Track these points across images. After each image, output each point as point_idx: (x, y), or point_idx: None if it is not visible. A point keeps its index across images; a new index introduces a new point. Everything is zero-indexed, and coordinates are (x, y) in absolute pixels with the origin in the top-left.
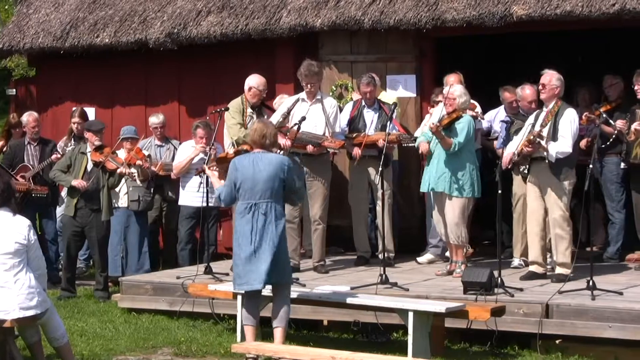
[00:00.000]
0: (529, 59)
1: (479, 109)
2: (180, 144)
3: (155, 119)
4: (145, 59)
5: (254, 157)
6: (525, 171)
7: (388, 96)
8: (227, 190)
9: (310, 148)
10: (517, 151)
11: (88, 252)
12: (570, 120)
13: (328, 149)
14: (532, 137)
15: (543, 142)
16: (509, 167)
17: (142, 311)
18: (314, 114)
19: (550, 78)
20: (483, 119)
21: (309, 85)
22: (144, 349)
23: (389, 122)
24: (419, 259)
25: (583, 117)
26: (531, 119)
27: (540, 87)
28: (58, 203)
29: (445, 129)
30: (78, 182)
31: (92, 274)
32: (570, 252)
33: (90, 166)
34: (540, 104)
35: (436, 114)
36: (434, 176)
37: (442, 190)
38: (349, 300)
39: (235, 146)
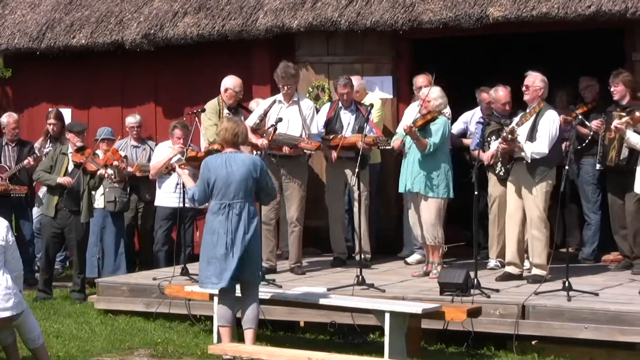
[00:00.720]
0: (510, 60)
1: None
2: (156, 144)
3: (132, 119)
4: (122, 60)
5: (226, 157)
6: (501, 173)
7: (373, 98)
8: (200, 189)
9: (286, 149)
10: (495, 151)
11: (64, 254)
12: (549, 121)
13: (304, 150)
14: (504, 134)
15: (519, 142)
16: (491, 162)
17: (119, 312)
18: (290, 116)
19: (534, 79)
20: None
21: (285, 87)
22: (120, 350)
23: (365, 124)
24: (408, 260)
25: (560, 118)
26: (515, 120)
27: (524, 88)
28: (35, 204)
29: (421, 129)
30: (64, 180)
31: (69, 275)
32: (546, 254)
33: (71, 167)
34: (522, 105)
35: (409, 114)
36: (409, 177)
37: (417, 191)
38: (326, 302)
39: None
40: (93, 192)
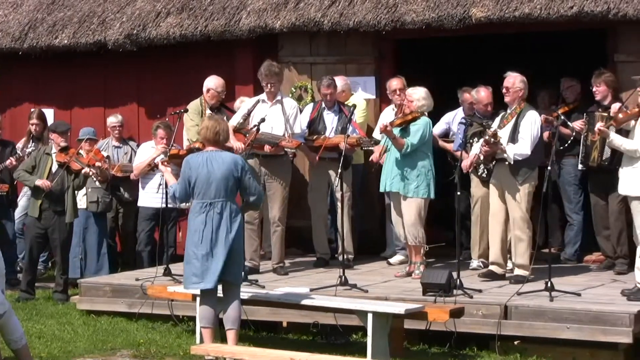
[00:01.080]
0: (493, 61)
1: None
2: (138, 145)
3: (114, 119)
4: (105, 60)
5: (207, 155)
6: (484, 174)
7: (358, 99)
8: (181, 187)
9: (267, 148)
10: (478, 153)
11: (47, 254)
12: (531, 122)
13: (285, 149)
14: (487, 137)
15: (501, 143)
16: (469, 170)
17: (101, 313)
18: (273, 115)
19: (514, 81)
20: None
21: (269, 85)
22: (103, 350)
23: (348, 125)
24: (391, 260)
25: (541, 118)
26: (497, 121)
27: (504, 90)
28: (17, 205)
29: (402, 129)
30: (42, 182)
31: (51, 275)
32: (529, 254)
33: (55, 167)
34: (504, 105)
35: (387, 114)
36: (389, 177)
37: (397, 191)
38: (308, 302)
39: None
40: (79, 192)
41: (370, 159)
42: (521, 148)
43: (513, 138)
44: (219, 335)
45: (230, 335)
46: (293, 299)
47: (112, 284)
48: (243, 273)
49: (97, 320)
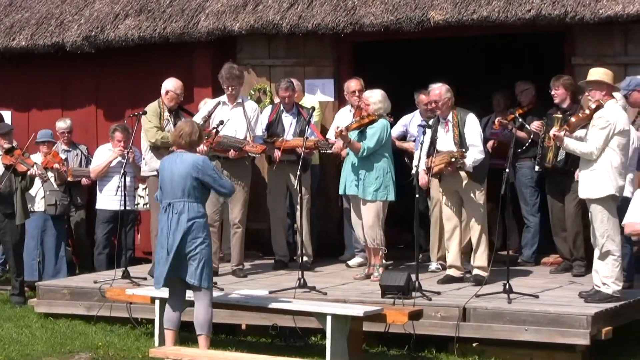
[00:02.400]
0: (452, 63)
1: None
2: (88, 149)
3: (62, 124)
4: (62, 62)
5: (174, 157)
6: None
7: (310, 101)
8: (159, 190)
9: (232, 153)
10: (431, 171)
11: (4, 257)
12: (475, 126)
13: (249, 154)
14: (454, 160)
15: (462, 161)
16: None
17: (59, 316)
18: (235, 118)
19: (440, 92)
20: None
21: (230, 88)
22: (61, 354)
23: (307, 127)
24: (350, 262)
25: (496, 122)
26: (429, 133)
27: (432, 105)
28: None
29: (360, 132)
30: None
31: (8, 278)
32: (487, 256)
33: (1, 170)
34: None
35: (340, 119)
36: (348, 179)
37: (355, 194)
38: (267, 304)
39: (153, 149)
40: (32, 194)
41: (332, 150)
42: (476, 154)
43: (462, 146)
44: (179, 339)
45: (199, 340)
46: (252, 302)
47: (70, 287)
48: (207, 276)
49: (55, 323)
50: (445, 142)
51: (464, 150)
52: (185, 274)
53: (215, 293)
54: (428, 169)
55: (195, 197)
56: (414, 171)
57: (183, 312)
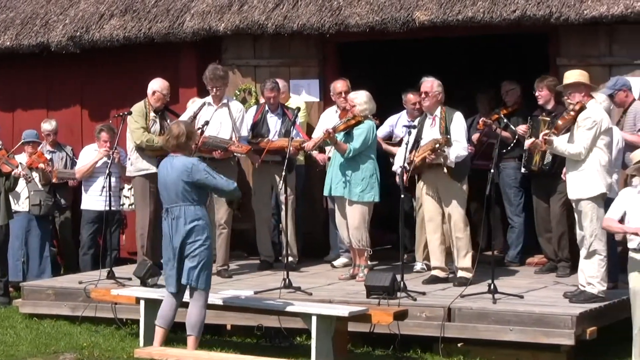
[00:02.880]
0: (437, 64)
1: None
2: (73, 150)
3: (47, 126)
4: (47, 62)
5: (166, 161)
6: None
7: (296, 101)
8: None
9: (217, 153)
10: (410, 160)
11: None
12: (460, 123)
13: (235, 154)
14: (437, 146)
15: (446, 150)
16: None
17: (44, 316)
18: (220, 118)
19: (432, 85)
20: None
21: (214, 89)
22: (46, 354)
23: (292, 128)
24: (335, 263)
25: (480, 122)
26: (413, 133)
27: (422, 95)
28: None
29: (346, 133)
30: None
31: None
32: (471, 255)
33: None
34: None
35: (325, 119)
36: (333, 180)
37: (341, 195)
38: (253, 305)
39: (138, 150)
40: (18, 192)
41: (315, 159)
42: (460, 150)
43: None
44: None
45: (188, 340)
46: (237, 302)
47: (55, 287)
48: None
49: (39, 324)
50: (431, 135)
51: (448, 136)
52: (181, 275)
53: None
54: (410, 164)
55: (192, 200)
56: (394, 168)
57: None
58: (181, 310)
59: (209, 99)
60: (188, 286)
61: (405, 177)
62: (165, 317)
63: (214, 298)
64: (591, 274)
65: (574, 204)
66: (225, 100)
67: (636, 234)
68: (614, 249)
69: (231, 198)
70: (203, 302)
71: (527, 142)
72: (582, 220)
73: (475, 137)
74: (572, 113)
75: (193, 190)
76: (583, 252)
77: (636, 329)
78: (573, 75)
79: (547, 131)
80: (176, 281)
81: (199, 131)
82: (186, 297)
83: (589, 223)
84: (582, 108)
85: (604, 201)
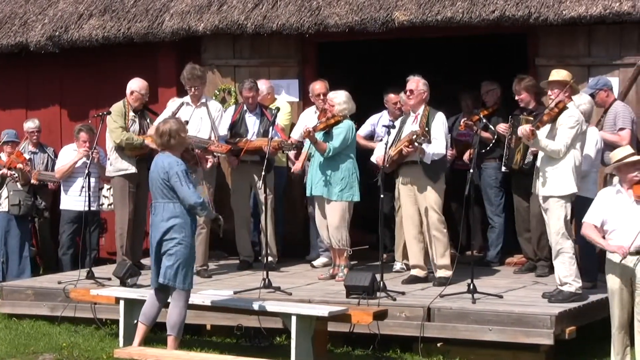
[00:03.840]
0: (418, 65)
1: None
2: (55, 151)
3: (31, 124)
4: (26, 62)
5: (155, 159)
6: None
7: (282, 102)
8: None
9: (196, 152)
10: (389, 155)
11: None
12: (441, 123)
13: (215, 154)
14: (414, 137)
15: (423, 143)
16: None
17: (23, 317)
18: (198, 118)
19: (417, 83)
20: None
21: (192, 89)
22: (25, 354)
23: (271, 128)
24: (315, 263)
25: (461, 123)
26: (393, 133)
27: (407, 93)
28: None
29: (325, 133)
30: None
31: None
32: (449, 254)
33: None
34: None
35: (304, 119)
36: (314, 180)
37: (320, 194)
38: (232, 305)
39: (118, 150)
40: (0, 193)
41: (292, 170)
42: (438, 148)
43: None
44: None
45: (168, 340)
46: (217, 302)
47: (34, 288)
48: (181, 276)
49: (19, 324)
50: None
51: (427, 129)
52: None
53: None
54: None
55: (171, 197)
56: (372, 158)
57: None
58: (163, 310)
59: (187, 98)
60: (168, 286)
61: (379, 160)
62: (147, 314)
63: (194, 298)
64: (564, 273)
65: (541, 201)
66: (203, 100)
67: (615, 252)
68: (592, 248)
69: (194, 213)
70: (183, 302)
71: (520, 130)
72: (550, 219)
73: (466, 156)
74: (555, 110)
75: (170, 189)
76: (553, 252)
77: (614, 329)
78: (560, 74)
79: (534, 123)
80: (156, 278)
81: None
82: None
83: (556, 221)
84: (565, 107)
85: (572, 201)
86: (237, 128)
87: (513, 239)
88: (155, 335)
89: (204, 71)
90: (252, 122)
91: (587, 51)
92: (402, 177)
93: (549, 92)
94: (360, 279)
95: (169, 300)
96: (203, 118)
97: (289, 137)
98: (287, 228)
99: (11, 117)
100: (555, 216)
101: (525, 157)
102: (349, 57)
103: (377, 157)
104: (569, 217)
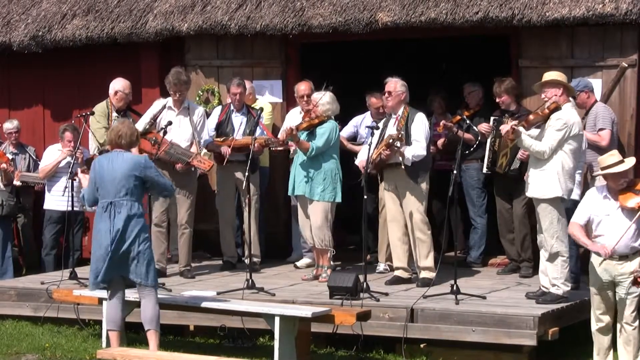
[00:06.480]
0: (402, 65)
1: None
2: (36, 151)
3: (9, 125)
4: (9, 62)
5: (111, 156)
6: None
7: (263, 102)
8: (89, 190)
9: (178, 166)
10: (371, 159)
11: None
12: (421, 123)
13: (197, 169)
14: (391, 141)
15: (400, 146)
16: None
17: (6, 317)
18: (180, 123)
19: (395, 85)
20: None
21: (177, 94)
22: (8, 355)
23: (256, 126)
24: (298, 263)
25: (440, 124)
26: (376, 135)
27: (386, 94)
28: None
29: (309, 133)
30: None
31: None
32: (433, 255)
33: None
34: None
35: (292, 115)
36: (296, 180)
37: (302, 194)
38: (215, 306)
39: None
40: None
41: (281, 147)
42: (418, 149)
43: (407, 141)
44: (126, 339)
45: (148, 335)
46: (200, 303)
47: (17, 288)
48: (152, 274)
49: (1, 325)
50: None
51: (402, 132)
52: (127, 272)
53: (164, 294)
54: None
55: (136, 196)
56: (356, 162)
57: (129, 313)
58: (136, 310)
59: (169, 102)
60: (137, 284)
61: (361, 165)
62: (114, 319)
63: (177, 298)
64: (555, 275)
65: (535, 203)
66: (186, 105)
67: (598, 254)
68: (575, 250)
69: (165, 196)
70: (155, 298)
71: (503, 128)
72: (541, 222)
73: (440, 142)
74: (546, 110)
75: (139, 186)
76: (544, 254)
77: (594, 329)
78: (552, 75)
79: (516, 122)
80: (104, 276)
81: (162, 131)
82: (133, 297)
83: (549, 225)
84: (557, 108)
85: (564, 203)
86: (223, 127)
87: (496, 240)
88: (139, 335)
89: (189, 76)
90: (239, 122)
91: (570, 53)
92: (386, 179)
93: (542, 95)
94: (343, 279)
95: (127, 297)
96: (185, 123)
97: (275, 137)
98: (270, 229)
99: None
100: (548, 220)
101: (512, 162)
102: (333, 58)
103: (359, 162)
104: (563, 219)
